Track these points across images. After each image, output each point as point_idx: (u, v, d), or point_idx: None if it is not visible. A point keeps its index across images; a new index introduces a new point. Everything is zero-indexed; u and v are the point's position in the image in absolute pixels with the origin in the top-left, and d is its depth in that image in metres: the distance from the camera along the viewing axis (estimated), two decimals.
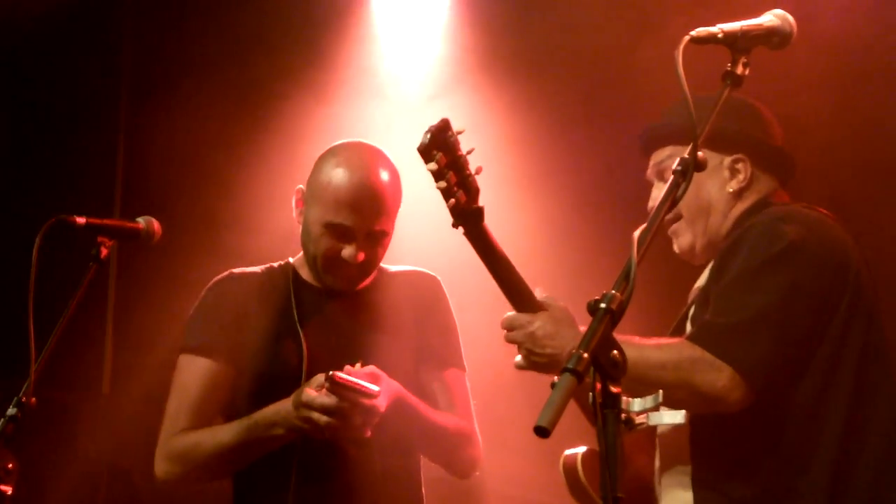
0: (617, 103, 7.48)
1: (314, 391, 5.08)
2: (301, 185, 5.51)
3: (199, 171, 8.56)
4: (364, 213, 5.21)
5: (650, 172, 5.02)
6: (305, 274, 5.54)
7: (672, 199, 3.91)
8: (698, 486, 4.74)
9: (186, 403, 5.38)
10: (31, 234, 4.98)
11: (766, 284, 4.59)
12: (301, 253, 5.56)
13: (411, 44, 9.09)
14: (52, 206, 7.64)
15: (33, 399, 4.79)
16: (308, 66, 8.73)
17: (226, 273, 5.59)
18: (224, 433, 5.33)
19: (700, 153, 3.94)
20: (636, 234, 3.76)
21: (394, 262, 5.73)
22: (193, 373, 5.42)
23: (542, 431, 3.34)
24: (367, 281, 5.52)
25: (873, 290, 4.81)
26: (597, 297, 3.54)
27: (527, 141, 8.48)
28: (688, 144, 3.95)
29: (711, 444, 4.71)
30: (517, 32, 8.69)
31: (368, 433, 5.14)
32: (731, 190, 4.87)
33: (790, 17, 4.24)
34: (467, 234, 4.65)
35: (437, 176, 4.51)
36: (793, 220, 4.76)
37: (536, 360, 4.61)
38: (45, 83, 8.93)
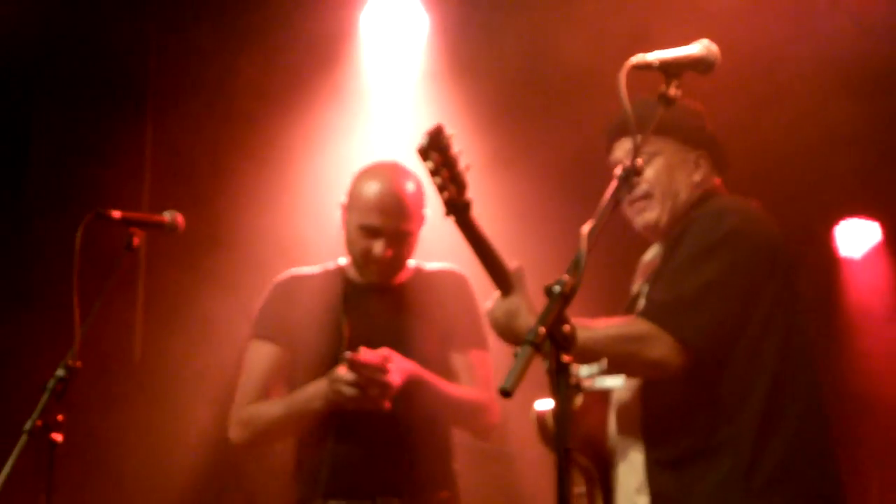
0: (581, 104, 7.43)
1: (343, 369, 5.35)
2: (342, 200, 5.72)
3: (219, 169, 8.50)
4: (390, 215, 5.48)
5: (613, 159, 5.05)
6: (352, 273, 5.75)
7: (616, 199, 4.00)
8: (648, 441, 4.76)
9: (253, 380, 5.67)
10: (71, 223, 5.00)
11: (707, 267, 4.64)
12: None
13: (394, 57, 8.90)
14: (88, 200, 7.74)
15: (78, 362, 4.83)
16: (308, 77, 8.62)
17: (288, 275, 5.86)
18: (277, 405, 5.60)
19: (639, 160, 4.03)
20: (584, 228, 3.85)
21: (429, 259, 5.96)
22: (260, 355, 5.71)
23: (505, 393, 3.46)
24: (405, 277, 5.77)
25: (796, 271, 4.87)
26: (552, 283, 3.63)
27: (496, 137, 8.43)
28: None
29: (658, 404, 4.73)
30: (486, 46, 8.62)
31: (387, 405, 5.39)
32: (694, 180, 4.92)
33: (714, 47, 4.30)
34: (457, 222, 4.62)
35: (433, 173, 4.53)
36: (733, 212, 4.81)
37: (501, 336, 4.62)
38: (82, 89, 8.74)
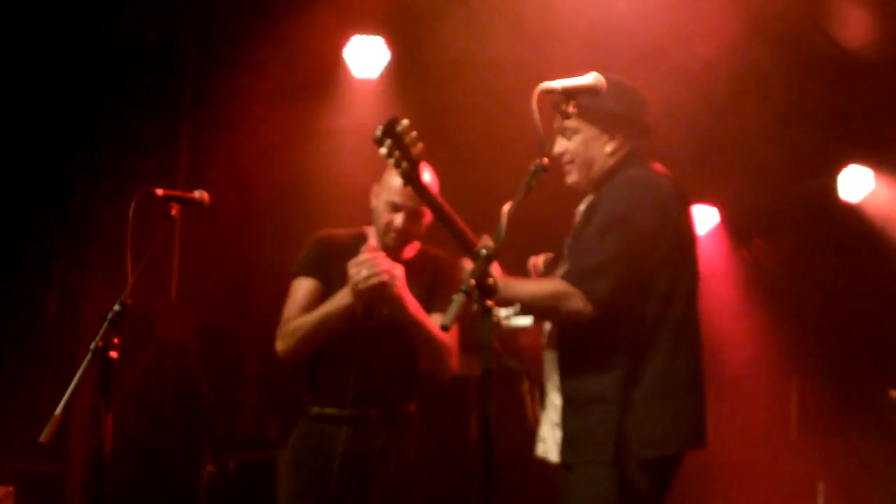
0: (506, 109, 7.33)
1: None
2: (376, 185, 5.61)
3: (243, 154, 8.48)
4: (410, 196, 5.25)
5: (555, 128, 5.03)
6: (373, 239, 5.55)
7: (529, 187, 4.07)
8: (564, 376, 4.66)
9: (296, 304, 5.50)
10: (122, 198, 5.04)
11: (611, 237, 4.53)
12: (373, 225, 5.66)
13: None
14: (132, 177, 7.75)
15: (130, 300, 4.87)
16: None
17: (324, 231, 5.72)
18: (314, 314, 5.42)
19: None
20: (505, 208, 3.96)
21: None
22: (301, 287, 5.54)
23: (444, 328, 3.62)
24: (411, 254, 5.63)
25: (690, 240, 4.79)
26: (479, 247, 3.76)
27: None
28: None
29: (573, 349, 4.64)
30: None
31: (395, 291, 5.29)
32: (607, 150, 4.77)
33: (601, 77, 4.36)
34: (414, 188, 4.66)
35: (387, 155, 4.57)
36: (635, 187, 4.66)
37: None
38: (132, 86, 8.54)
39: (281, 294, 5.63)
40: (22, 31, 7.85)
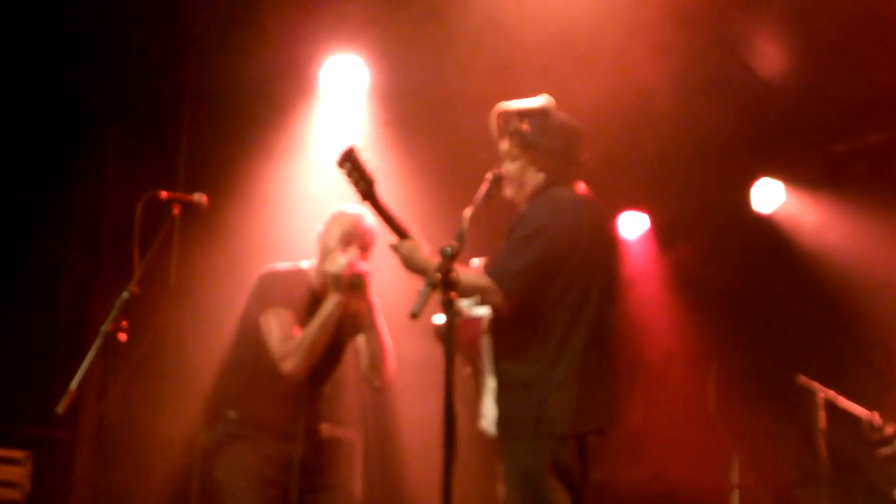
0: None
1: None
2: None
3: (236, 159, 8.44)
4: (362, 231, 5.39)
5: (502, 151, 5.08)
6: (312, 275, 5.48)
7: (487, 195, 4.14)
8: (496, 362, 4.73)
9: (284, 329, 5.23)
10: (127, 196, 5.07)
11: (528, 246, 4.61)
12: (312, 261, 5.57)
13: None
14: (136, 177, 7.72)
15: (136, 288, 4.88)
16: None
17: (267, 269, 5.49)
18: (310, 326, 5.23)
19: (510, 168, 4.21)
20: (466, 212, 4.01)
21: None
22: (278, 316, 5.26)
23: (413, 316, 3.67)
24: None
25: (603, 251, 4.84)
26: (445, 246, 3.82)
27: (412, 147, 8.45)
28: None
29: (503, 340, 4.72)
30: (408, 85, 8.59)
31: (367, 278, 5.25)
32: (539, 176, 4.77)
33: (551, 99, 4.42)
34: (371, 206, 4.84)
35: (347, 177, 4.81)
36: (552, 204, 4.74)
37: (406, 265, 4.69)
38: (137, 97, 8.43)
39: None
40: (41, 47, 7.85)
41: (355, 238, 5.36)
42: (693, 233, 10.40)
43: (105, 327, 4.84)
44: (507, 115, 4.40)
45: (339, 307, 5.22)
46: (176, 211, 5.19)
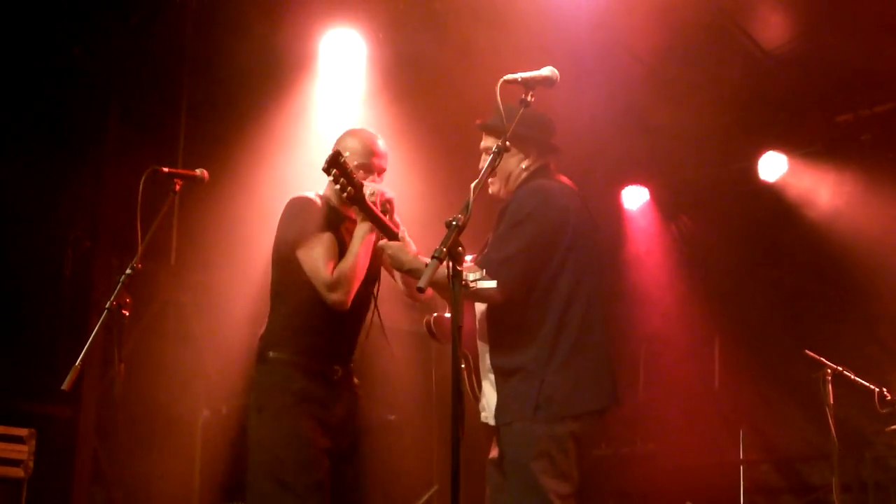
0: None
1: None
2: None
3: (235, 135, 8.45)
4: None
5: (482, 147, 5.13)
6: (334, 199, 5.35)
7: (492, 167, 4.15)
8: (493, 351, 4.76)
9: (328, 256, 5.08)
10: (126, 174, 5.08)
11: (516, 235, 4.66)
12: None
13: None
14: (135, 156, 7.74)
15: (139, 265, 4.89)
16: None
17: (300, 196, 5.23)
18: (347, 256, 5.08)
19: (508, 143, 4.18)
20: (472, 185, 4.00)
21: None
22: (321, 242, 5.10)
23: (421, 290, 3.68)
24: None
25: (590, 235, 4.88)
26: (450, 218, 3.81)
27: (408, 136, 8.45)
28: (499, 138, 4.22)
29: (501, 329, 4.75)
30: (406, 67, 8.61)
31: (393, 202, 5.15)
32: (522, 167, 4.93)
33: (556, 70, 4.42)
34: (358, 208, 4.95)
35: (335, 181, 4.83)
36: (537, 193, 4.81)
37: (394, 265, 4.85)
38: (136, 80, 8.47)
39: (262, 257, 5.55)
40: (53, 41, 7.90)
41: (375, 165, 5.30)
42: (697, 206, 10.44)
43: (109, 304, 4.85)
44: (513, 83, 4.44)
45: (372, 231, 5.11)
46: (178, 186, 5.20)
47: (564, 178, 5.00)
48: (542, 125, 4.99)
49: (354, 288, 5.11)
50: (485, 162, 4.81)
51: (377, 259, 5.31)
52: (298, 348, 5.17)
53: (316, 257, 5.12)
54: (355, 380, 5.30)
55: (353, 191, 4.83)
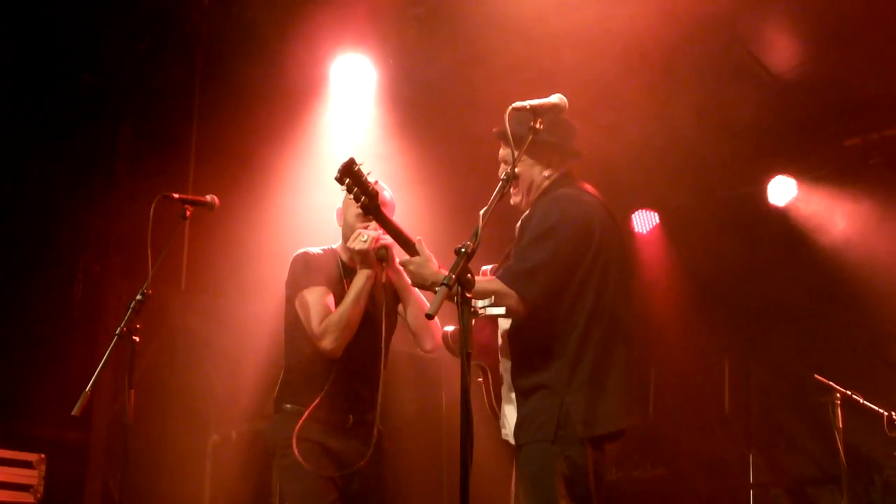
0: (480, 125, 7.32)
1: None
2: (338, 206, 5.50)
3: (246, 160, 8.47)
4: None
5: (500, 157, 5.11)
6: (343, 255, 5.43)
7: (500, 194, 4.16)
8: (515, 368, 4.72)
9: (321, 308, 5.19)
10: (136, 200, 5.10)
11: (540, 247, 4.61)
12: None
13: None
14: (145, 183, 7.76)
15: (150, 290, 4.92)
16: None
17: (302, 250, 5.41)
18: (342, 304, 5.20)
19: (517, 169, 4.22)
20: (481, 212, 4.03)
21: None
22: (314, 294, 5.23)
23: (428, 316, 3.70)
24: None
25: (615, 246, 4.83)
26: (460, 245, 3.83)
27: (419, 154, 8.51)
28: (518, 148, 4.25)
29: (522, 346, 4.71)
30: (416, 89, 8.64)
31: (391, 249, 5.20)
32: (544, 175, 4.86)
33: (564, 98, 4.43)
34: (374, 218, 4.94)
35: (348, 190, 4.81)
36: (560, 203, 4.73)
37: (416, 282, 4.73)
38: (146, 105, 8.57)
39: (276, 280, 5.57)
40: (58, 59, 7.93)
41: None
42: (706, 230, 10.42)
43: (120, 329, 4.88)
44: (520, 114, 4.43)
45: (369, 280, 5.20)
46: (188, 212, 5.23)
47: (588, 186, 4.96)
48: (564, 130, 4.91)
49: (345, 336, 5.19)
50: (502, 172, 4.74)
51: (392, 308, 5.41)
52: (310, 399, 5.23)
53: (307, 308, 5.24)
54: (377, 428, 5.24)
55: (367, 200, 4.80)
